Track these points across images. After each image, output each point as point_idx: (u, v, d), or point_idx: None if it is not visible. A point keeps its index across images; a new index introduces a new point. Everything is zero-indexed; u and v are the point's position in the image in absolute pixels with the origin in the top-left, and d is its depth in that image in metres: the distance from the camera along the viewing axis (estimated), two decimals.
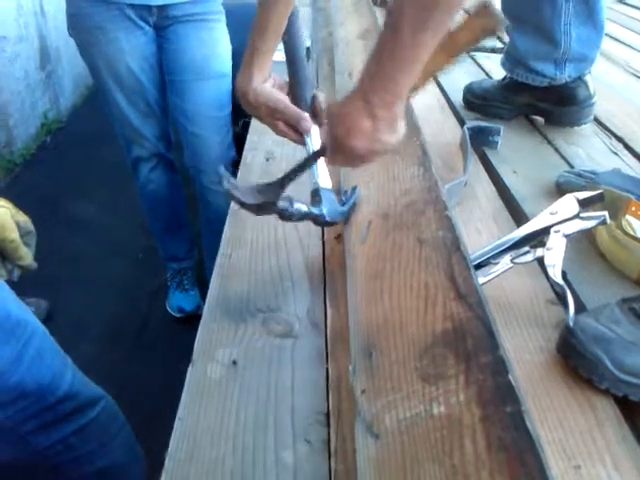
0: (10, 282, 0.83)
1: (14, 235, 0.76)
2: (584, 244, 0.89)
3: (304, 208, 0.79)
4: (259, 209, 0.78)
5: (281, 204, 0.77)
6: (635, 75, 1.83)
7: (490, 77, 1.65)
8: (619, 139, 1.31)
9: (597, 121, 1.40)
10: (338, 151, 0.70)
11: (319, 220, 0.82)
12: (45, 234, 2.53)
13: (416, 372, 0.54)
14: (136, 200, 2.12)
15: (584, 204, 0.77)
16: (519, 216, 0.99)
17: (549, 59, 1.28)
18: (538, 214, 0.79)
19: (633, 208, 0.85)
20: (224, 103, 1.82)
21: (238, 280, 0.85)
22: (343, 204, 0.88)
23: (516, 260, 0.77)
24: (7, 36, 3.03)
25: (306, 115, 0.84)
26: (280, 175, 0.78)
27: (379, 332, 0.63)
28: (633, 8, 2.85)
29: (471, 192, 1.06)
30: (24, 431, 0.89)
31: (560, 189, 1.03)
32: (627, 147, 1.28)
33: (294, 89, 0.87)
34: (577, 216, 0.76)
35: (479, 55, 1.91)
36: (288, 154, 1.22)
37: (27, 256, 0.81)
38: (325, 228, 0.96)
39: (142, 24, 1.64)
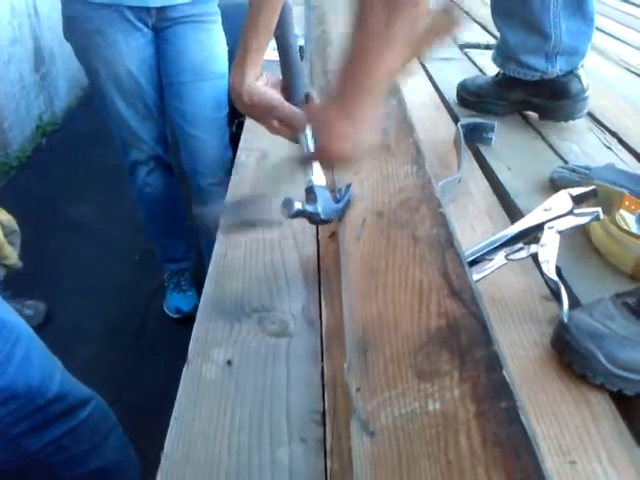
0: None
1: None
2: (578, 239, 0.89)
3: (299, 206, 0.79)
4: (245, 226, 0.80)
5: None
6: (628, 70, 1.83)
7: (484, 74, 1.64)
8: (613, 134, 1.31)
9: (591, 116, 1.40)
10: (327, 159, 0.74)
11: (314, 218, 0.82)
12: (41, 237, 2.54)
13: (411, 369, 0.54)
14: (132, 202, 2.12)
15: (578, 200, 0.77)
16: (513, 212, 0.99)
17: (540, 53, 1.28)
18: (532, 210, 0.79)
19: (627, 203, 0.85)
20: (222, 104, 1.82)
21: (233, 280, 0.85)
22: (337, 201, 0.88)
23: (510, 256, 0.77)
24: (1, 38, 3.02)
25: (300, 113, 0.84)
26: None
27: (374, 329, 0.63)
28: (626, 3, 2.86)
29: (465, 189, 1.06)
30: (14, 434, 0.89)
31: (554, 185, 1.03)
32: (621, 142, 1.28)
33: (288, 87, 0.87)
34: (571, 212, 0.76)
35: (473, 52, 1.91)
36: (282, 153, 1.22)
37: (12, 255, 0.81)
38: (319, 226, 0.96)
39: (140, 26, 1.63)
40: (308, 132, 0.84)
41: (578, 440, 0.57)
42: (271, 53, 0.83)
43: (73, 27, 1.65)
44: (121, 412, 1.27)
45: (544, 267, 0.71)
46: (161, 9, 1.62)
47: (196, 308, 2.23)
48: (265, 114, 0.85)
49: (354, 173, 0.96)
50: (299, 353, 0.72)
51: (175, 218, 2.12)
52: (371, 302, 0.67)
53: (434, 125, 1.34)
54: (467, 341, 0.52)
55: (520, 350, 0.69)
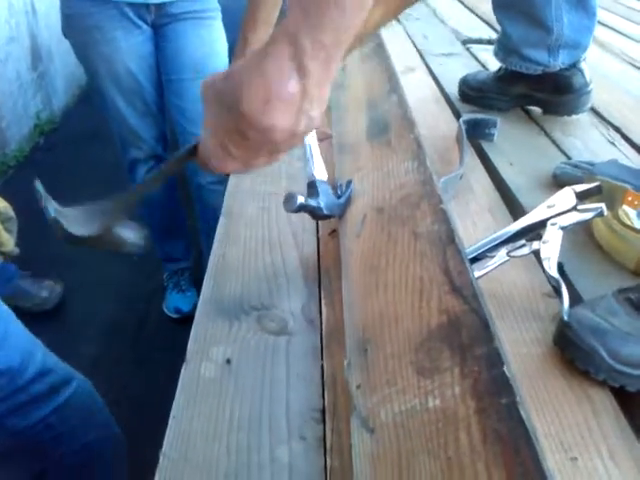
0: None
1: None
2: (581, 235, 0.89)
3: (302, 200, 0.79)
4: (91, 241, 0.60)
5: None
6: (632, 65, 1.82)
7: (486, 69, 1.64)
8: (616, 129, 1.31)
9: (594, 111, 1.39)
10: (239, 140, 0.48)
11: (316, 213, 0.82)
12: (39, 236, 2.53)
13: (411, 366, 0.53)
14: None
15: (582, 197, 0.76)
16: (516, 208, 0.98)
17: (542, 46, 1.27)
18: (535, 206, 0.78)
19: (630, 198, 0.85)
20: None
21: (232, 278, 0.84)
22: (338, 197, 0.87)
23: (512, 253, 0.76)
24: None
25: None
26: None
27: (374, 326, 0.63)
28: None
29: (467, 185, 1.06)
30: None
31: (557, 180, 1.03)
32: (624, 137, 1.27)
33: None
34: (574, 208, 0.75)
35: (475, 47, 1.90)
36: None
37: (8, 242, 0.81)
38: (319, 224, 0.96)
39: (140, 23, 1.63)
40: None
41: (579, 436, 0.57)
42: None
43: (72, 24, 1.65)
44: (121, 411, 1.27)
45: (545, 264, 0.70)
46: (160, 5, 1.61)
47: (196, 308, 2.23)
48: None
49: (355, 169, 0.95)
50: (299, 351, 0.72)
51: (174, 217, 2.11)
52: (372, 299, 0.67)
53: (435, 121, 1.34)
54: (468, 338, 0.52)
55: (522, 347, 0.69)
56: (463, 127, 1.15)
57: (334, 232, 0.93)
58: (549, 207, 0.76)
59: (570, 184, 0.78)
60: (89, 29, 1.61)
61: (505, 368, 0.46)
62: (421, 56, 1.80)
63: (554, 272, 0.69)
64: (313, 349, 0.72)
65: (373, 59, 1.41)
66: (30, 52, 3.39)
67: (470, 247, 0.77)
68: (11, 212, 0.82)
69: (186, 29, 1.67)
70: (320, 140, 0.86)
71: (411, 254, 0.67)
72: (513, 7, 1.30)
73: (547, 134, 1.27)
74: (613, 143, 1.24)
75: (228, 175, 1.18)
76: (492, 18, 1.39)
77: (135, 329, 2.11)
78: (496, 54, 1.38)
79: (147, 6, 1.60)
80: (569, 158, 1.15)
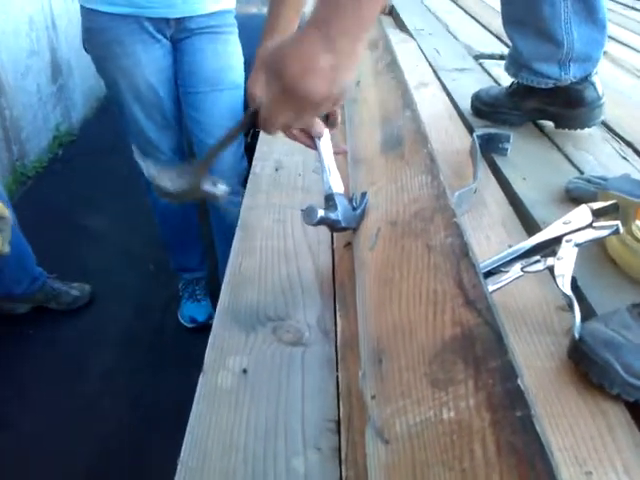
0: None
1: None
2: (594, 250, 0.89)
3: (322, 213, 0.80)
4: (180, 196, 0.73)
5: (207, 187, 0.75)
6: None
7: (499, 84, 1.65)
8: (628, 144, 1.31)
9: (606, 126, 1.39)
10: (286, 101, 0.61)
11: (335, 225, 0.83)
12: (57, 246, 2.57)
13: (426, 377, 0.54)
14: (147, 212, 2.14)
15: (598, 214, 0.76)
16: (529, 223, 0.99)
17: (553, 60, 1.28)
18: (548, 220, 0.79)
19: None
20: (238, 114, 1.84)
21: (248, 289, 0.85)
22: (354, 209, 0.88)
23: (526, 269, 0.76)
24: (20, 50, 3.08)
25: (318, 120, 0.85)
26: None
27: (389, 338, 0.63)
28: None
29: (480, 199, 1.06)
30: None
31: (570, 195, 1.03)
32: (637, 152, 1.27)
33: None
34: (590, 226, 0.76)
35: (487, 62, 1.92)
36: (297, 164, 1.23)
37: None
38: (335, 236, 0.97)
39: (159, 37, 1.66)
40: (325, 138, 0.85)
41: (594, 450, 0.57)
42: None
43: (92, 38, 1.68)
44: (137, 420, 1.28)
45: (559, 281, 0.71)
46: (179, 20, 1.64)
47: (210, 317, 2.26)
48: None
49: (369, 183, 0.96)
50: (314, 362, 0.72)
51: (190, 228, 2.13)
52: (386, 311, 0.68)
53: (448, 136, 1.35)
54: (482, 350, 0.52)
55: (535, 361, 0.69)
56: (477, 142, 1.16)
57: (349, 245, 0.94)
58: (565, 224, 0.77)
59: (583, 199, 0.79)
60: (109, 43, 1.64)
61: (519, 381, 0.47)
62: (434, 71, 1.81)
63: (567, 290, 0.69)
64: (328, 360, 0.73)
65: (387, 74, 1.42)
66: (50, 66, 3.45)
67: (484, 261, 0.77)
68: (5, 212, 0.84)
69: (203, 43, 1.70)
70: (335, 154, 0.87)
71: (425, 267, 0.68)
72: (523, 22, 1.31)
73: (559, 149, 1.28)
74: (625, 158, 1.24)
75: (244, 186, 1.20)
76: (504, 33, 1.41)
77: (150, 338, 2.12)
78: (507, 69, 1.39)
79: (167, 20, 1.63)
80: (581, 173, 1.16)
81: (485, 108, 1.42)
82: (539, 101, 1.34)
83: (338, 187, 0.84)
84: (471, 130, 1.35)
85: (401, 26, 2.41)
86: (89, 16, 1.65)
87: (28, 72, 3.16)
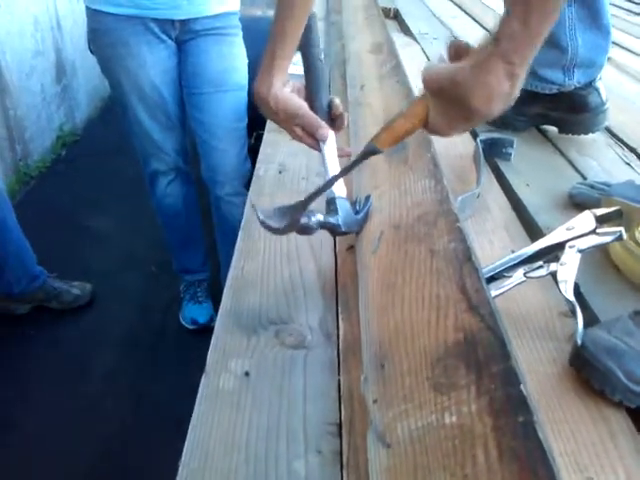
0: None
1: None
2: (597, 256, 0.89)
3: (321, 218, 0.80)
4: (284, 231, 0.79)
5: (303, 220, 0.78)
6: None
7: None
8: (632, 150, 1.31)
9: (610, 132, 1.39)
10: (465, 122, 0.67)
11: (335, 230, 0.83)
12: (60, 246, 2.58)
13: (428, 382, 0.54)
14: (150, 213, 2.14)
15: (601, 220, 0.76)
16: (532, 228, 0.99)
17: (557, 66, 1.28)
18: (551, 226, 0.79)
19: None
20: (241, 115, 1.84)
21: (250, 292, 0.85)
22: (357, 213, 0.88)
23: (529, 274, 0.76)
24: (24, 51, 3.09)
25: (323, 123, 0.85)
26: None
27: (391, 342, 0.63)
28: None
29: (483, 204, 1.06)
30: None
31: (573, 201, 1.03)
32: None
33: (311, 95, 0.88)
34: (593, 232, 0.76)
35: None
36: (300, 166, 1.23)
37: None
38: (337, 239, 0.97)
39: (164, 38, 1.66)
40: (329, 141, 0.85)
41: (595, 456, 0.57)
42: (293, 68, 0.84)
43: (98, 39, 1.68)
44: (139, 421, 1.28)
45: (562, 287, 0.71)
46: (184, 22, 1.65)
47: (212, 319, 2.27)
48: (289, 121, 0.85)
49: (372, 187, 0.96)
50: (316, 365, 0.72)
51: (193, 229, 2.13)
52: (388, 315, 0.68)
53: (452, 140, 1.34)
54: (484, 355, 0.52)
55: (537, 366, 0.69)
56: (480, 147, 1.16)
57: (351, 248, 0.94)
58: (568, 229, 0.77)
59: (586, 204, 0.79)
60: (114, 44, 1.65)
61: (522, 386, 0.47)
62: None
63: (570, 295, 0.69)
64: (330, 363, 0.73)
65: (391, 78, 1.42)
66: (55, 66, 3.46)
67: (487, 266, 0.77)
68: None
69: (208, 45, 1.71)
70: (339, 157, 0.87)
71: (428, 271, 0.68)
72: None
73: (563, 154, 1.28)
74: (629, 164, 1.24)
75: (247, 187, 1.20)
76: None
77: (152, 339, 2.13)
78: None
79: (172, 22, 1.64)
80: (585, 178, 1.16)
81: None
82: (543, 106, 1.35)
83: (340, 191, 0.84)
84: (474, 135, 1.35)
85: (406, 30, 2.41)
86: (94, 17, 1.65)
87: (33, 72, 3.17)
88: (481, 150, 1.15)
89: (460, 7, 2.91)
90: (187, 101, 1.81)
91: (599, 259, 0.88)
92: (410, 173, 0.92)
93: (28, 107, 3.13)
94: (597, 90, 1.30)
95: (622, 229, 0.75)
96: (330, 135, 0.85)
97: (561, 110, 1.33)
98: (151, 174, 1.94)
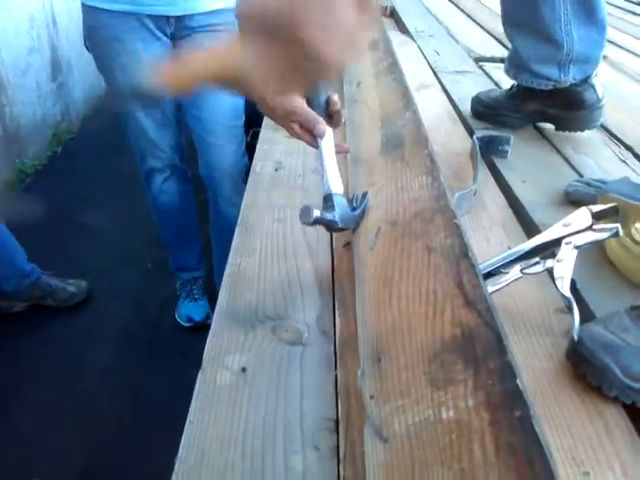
0: None
1: None
2: (594, 252, 0.89)
3: (318, 214, 0.80)
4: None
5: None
6: None
7: (499, 87, 1.65)
8: (628, 148, 1.31)
9: (606, 130, 1.40)
10: (290, 67, 0.50)
11: (332, 226, 0.83)
12: (55, 244, 2.57)
13: (425, 377, 0.54)
14: (145, 210, 2.14)
15: (598, 217, 0.77)
16: (528, 225, 0.99)
17: (553, 61, 1.28)
18: (547, 223, 0.79)
19: None
20: (239, 112, 1.84)
21: (247, 288, 0.85)
22: (354, 209, 0.88)
23: (526, 270, 0.77)
24: (20, 48, 3.08)
25: (321, 119, 0.85)
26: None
27: (388, 338, 0.64)
28: None
29: (480, 201, 1.07)
30: None
31: (569, 198, 1.03)
32: (636, 156, 1.28)
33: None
34: (590, 228, 0.76)
35: (488, 65, 1.92)
36: (297, 163, 1.23)
37: None
38: (334, 236, 0.97)
39: (160, 34, 1.66)
40: (327, 137, 0.85)
41: (591, 451, 0.57)
42: None
43: (93, 36, 1.68)
44: (134, 418, 1.28)
45: (559, 283, 0.71)
46: (180, 18, 1.64)
47: (208, 317, 2.27)
48: (287, 117, 0.85)
49: (369, 184, 0.96)
50: (313, 361, 0.72)
51: (189, 227, 2.13)
52: (385, 311, 0.68)
53: (449, 138, 1.35)
54: (481, 351, 0.52)
55: (534, 362, 0.69)
56: (477, 144, 1.16)
57: (348, 244, 0.94)
58: (565, 226, 0.77)
59: (582, 202, 0.79)
60: (110, 40, 1.64)
61: (518, 381, 0.47)
62: (435, 74, 1.82)
63: (567, 291, 0.70)
64: (327, 359, 0.73)
65: (388, 76, 1.42)
66: (50, 63, 3.45)
67: (484, 263, 0.77)
68: None
69: (203, 42, 1.70)
70: (337, 153, 0.87)
71: (424, 267, 0.68)
72: (522, 24, 1.32)
73: (559, 152, 1.28)
74: (625, 161, 1.24)
75: (244, 183, 1.20)
76: (505, 37, 1.41)
77: (147, 336, 2.13)
78: (507, 71, 1.39)
79: (167, 18, 1.63)
80: (581, 176, 1.16)
81: (485, 110, 1.42)
82: (539, 103, 1.35)
83: (337, 187, 0.84)
84: (471, 132, 1.35)
85: (402, 28, 2.41)
86: (90, 14, 1.65)
87: (28, 69, 3.16)
88: (478, 147, 1.15)
89: (456, 5, 2.92)
90: (184, 98, 1.81)
91: (595, 255, 0.89)
92: (407, 170, 0.92)
93: (24, 104, 3.12)
94: (593, 87, 1.30)
95: (618, 226, 0.75)
96: (328, 131, 0.85)
97: (557, 107, 1.33)
98: (147, 171, 1.94)
